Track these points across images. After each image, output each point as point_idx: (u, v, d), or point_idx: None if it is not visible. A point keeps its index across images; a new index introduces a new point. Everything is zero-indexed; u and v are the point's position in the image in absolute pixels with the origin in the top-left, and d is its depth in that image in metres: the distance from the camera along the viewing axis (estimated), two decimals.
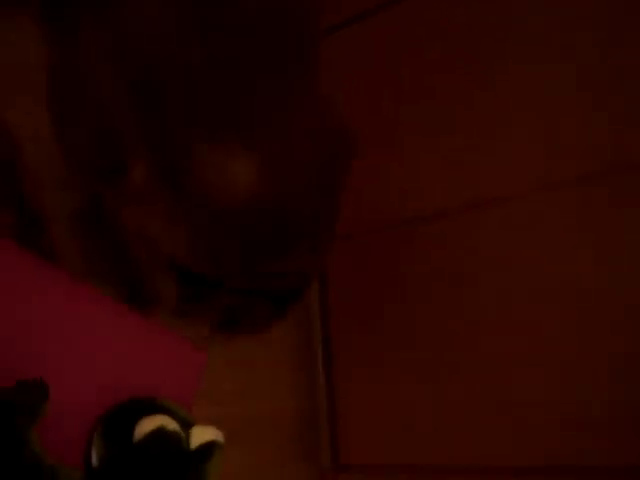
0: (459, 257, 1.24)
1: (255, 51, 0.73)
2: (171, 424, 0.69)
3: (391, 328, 1.30)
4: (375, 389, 1.31)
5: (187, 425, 0.72)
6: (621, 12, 1.09)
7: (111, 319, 0.72)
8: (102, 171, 0.80)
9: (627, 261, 1.07)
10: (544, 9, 1.16)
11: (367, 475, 1.31)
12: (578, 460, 1.08)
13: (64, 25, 0.73)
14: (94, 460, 0.70)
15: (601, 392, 1.08)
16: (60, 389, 0.68)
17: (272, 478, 1.29)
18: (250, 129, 0.73)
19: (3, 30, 0.94)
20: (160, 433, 0.68)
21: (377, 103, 1.35)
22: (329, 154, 0.83)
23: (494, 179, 1.21)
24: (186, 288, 0.93)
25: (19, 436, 0.59)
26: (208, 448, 0.71)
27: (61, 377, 0.68)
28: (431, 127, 1.28)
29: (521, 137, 1.18)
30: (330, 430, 1.38)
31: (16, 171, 0.91)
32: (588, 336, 1.09)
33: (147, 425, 0.69)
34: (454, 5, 1.26)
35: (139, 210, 0.78)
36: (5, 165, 0.90)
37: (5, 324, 0.66)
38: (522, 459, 1.13)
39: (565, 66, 1.14)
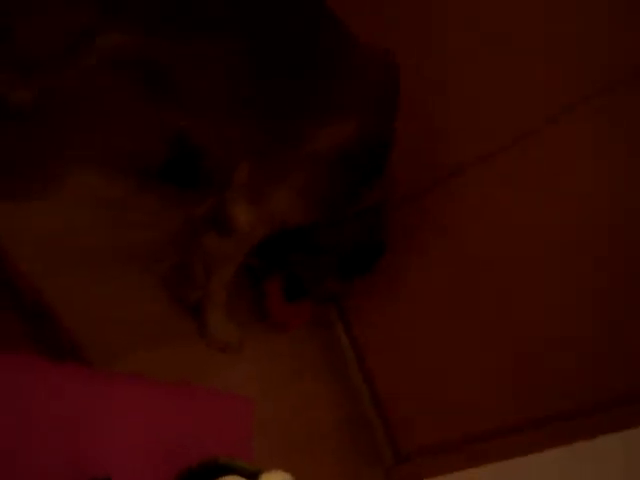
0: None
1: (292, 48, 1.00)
2: None
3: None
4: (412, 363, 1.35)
5: (254, 476, 0.74)
6: None
7: (154, 399, 0.74)
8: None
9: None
10: None
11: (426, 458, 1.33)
12: None
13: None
14: None
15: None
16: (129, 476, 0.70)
17: None
18: (329, 106, 1.04)
19: None
20: None
21: None
22: (387, 91, 1.11)
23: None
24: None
25: None
26: None
27: (126, 467, 0.70)
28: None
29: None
30: (384, 426, 1.39)
31: None
32: None
33: None
34: None
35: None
36: None
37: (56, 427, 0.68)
38: None
39: None
